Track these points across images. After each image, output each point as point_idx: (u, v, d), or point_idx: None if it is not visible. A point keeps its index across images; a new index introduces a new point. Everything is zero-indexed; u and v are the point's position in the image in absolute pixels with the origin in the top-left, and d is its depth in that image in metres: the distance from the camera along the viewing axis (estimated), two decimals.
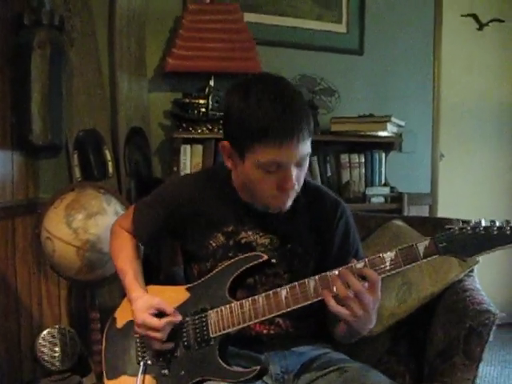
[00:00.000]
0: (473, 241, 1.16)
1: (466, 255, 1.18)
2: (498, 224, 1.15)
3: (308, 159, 1.34)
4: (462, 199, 3.75)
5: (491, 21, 3.83)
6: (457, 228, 1.18)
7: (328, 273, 1.25)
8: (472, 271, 1.91)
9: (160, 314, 1.38)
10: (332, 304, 1.21)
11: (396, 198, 3.08)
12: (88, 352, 2.45)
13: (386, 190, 3.07)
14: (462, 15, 3.77)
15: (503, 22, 3.84)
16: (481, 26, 3.83)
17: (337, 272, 1.24)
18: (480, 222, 1.17)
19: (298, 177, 1.31)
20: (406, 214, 3.03)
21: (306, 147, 1.28)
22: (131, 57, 2.74)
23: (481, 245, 1.16)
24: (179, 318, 1.38)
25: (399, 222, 2.06)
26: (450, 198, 3.67)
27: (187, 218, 1.51)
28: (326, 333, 1.52)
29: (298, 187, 1.34)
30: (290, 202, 1.37)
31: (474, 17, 3.81)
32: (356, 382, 1.31)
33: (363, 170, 3.07)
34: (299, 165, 1.30)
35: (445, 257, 1.20)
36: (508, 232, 1.14)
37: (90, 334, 2.39)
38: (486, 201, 3.82)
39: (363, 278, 1.21)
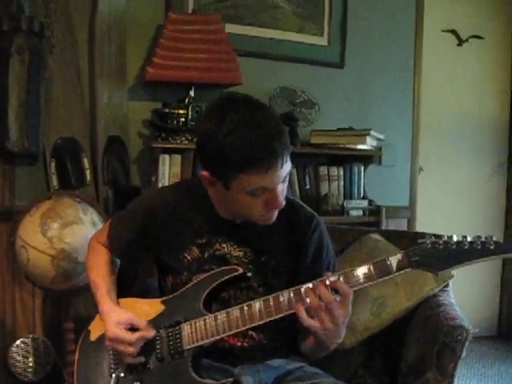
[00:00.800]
0: (445, 255, 1.19)
1: (438, 269, 1.20)
2: (469, 239, 1.19)
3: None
4: (440, 213, 3.78)
5: (471, 37, 3.88)
6: (429, 242, 1.21)
7: (302, 286, 1.27)
8: (447, 286, 1.91)
9: (132, 328, 1.37)
10: (304, 316, 1.23)
11: (374, 211, 3.09)
12: (62, 362, 2.41)
13: (365, 203, 3.08)
14: (442, 30, 3.82)
15: (482, 38, 3.90)
16: (460, 42, 3.88)
17: (310, 285, 1.25)
18: (452, 236, 1.20)
19: (283, 192, 1.32)
20: (384, 227, 3.04)
21: (288, 166, 1.29)
22: (111, 65, 2.72)
23: (452, 259, 1.19)
24: (152, 333, 1.38)
25: (376, 236, 2.06)
26: (428, 211, 3.70)
27: (162, 231, 1.50)
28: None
29: (283, 202, 1.34)
30: (275, 216, 1.38)
31: (454, 33, 3.86)
32: None
33: (342, 183, 3.08)
34: (283, 181, 1.31)
35: (417, 270, 1.23)
36: (479, 247, 1.17)
37: (64, 345, 2.35)
38: (464, 214, 3.86)
39: (336, 291, 1.22)
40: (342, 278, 1.24)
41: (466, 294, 3.75)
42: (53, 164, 2.57)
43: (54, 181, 2.57)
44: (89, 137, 2.68)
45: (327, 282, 1.23)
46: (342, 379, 1.45)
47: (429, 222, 3.57)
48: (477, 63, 3.94)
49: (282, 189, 1.30)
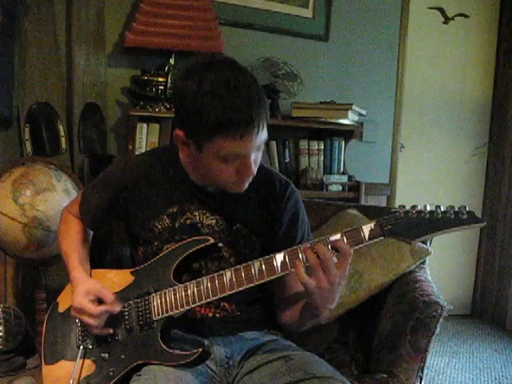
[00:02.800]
0: (417, 224, 1.19)
1: (411, 238, 1.19)
2: (442, 209, 1.19)
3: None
4: (420, 190, 3.79)
5: (457, 15, 3.85)
6: (402, 211, 1.20)
7: (298, 246, 1.25)
8: (424, 263, 1.92)
9: (100, 300, 1.36)
10: (301, 273, 1.20)
11: (354, 186, 3.08)
12: (33, 332, 2.38)
13: (344, 179, 3.07)
14: (428, 7, 3.78)
15: (468, 17, 3.88)
16: (446, 20, 3.85)
17: (308, 244, 1.23)
18: (425, 206, 1.20)
19: (255, 160, 1.30)
20: (363, 203, 3.03)
21: (264, 134, 1.27)
22: (89, 29, 2.65)
23: (425, 228, 1.19)
24: (117, 308, 1.36)
25: (354, 211, 2.06)
26: (408, 188, 3.71)
27: (132, 200, 1.47)
28: (275, 320, 1.51)
29: (256, 170, 1.32)
30: (247, 185, 1.36)
31: (441, 10, 3.83)
32: (299, 371, 1.29)
33: (322, 158, 3.06)
34: (257, 150, 1.30)
35: (392, 241, 1.27)
36: (452, 216, 1.18)
37: (35, 314, 2.32)
38: (444, 193, 3.87)
39: (336, 250, 1.20)
40: (313, 246, 1.22)
41: (441, 272, 3.79)
42: (27, 129, 2.51)
43: (28, 147, 2.51)
44: (65, 103, 2.63)
45: (327, 241, 1.21)
46: (315, 353, 1.43)
47: (408, 199, 3.52)
48: (462, 42, 3.92)
49: (255, 157, 1.29)
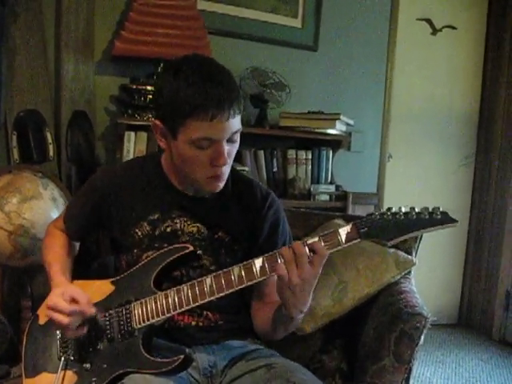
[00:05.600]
0: (393, 225, 1.21)
1: (387, 239, 1.21)
2: (417, 210, 1.21)
3: (239, 136, 1.36)
4: (408, 200, 3.73)
5: (445, 27, 3.89)
6: (378, 214, 1.22)
7: (276, 251, 1.25)
8: (409, 273, 1.92)
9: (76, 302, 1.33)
10: (279, 265, 1.21)
11: (341, 196, 3.09)
12: (18, 341, 2.36)
13: (332, 188, 3.08)
14: (417, 19, 3.81)
15: (456, 28, 3.92)
16: (434, 31, 3.88)
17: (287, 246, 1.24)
18: (400, 208, 1.22)
19: (229, 153, 1.34)
20: (350, 213, 3.04)
21: (236, 123, 1.31)
22: (78, 37, 2.65)
23: (401, 229, 1.20)
24: (91, 310, 1.34)
25: (340, 221, 2.06)
26: (395, 198, 3.71)
27: (114, 206, 1.49)
28: None
29: (229, 164, 1.36)
30: (222, 183, 1.39)
31: (429, 22, 3.86)
32: (281, 379, 1.29)
33: (310, 167, 3.08)
34: (231, 140, 1.33)
35: (367, 244, 1.30)
36: (426, 217, 1.20)
37: (21, 323, 2.30)
38: (432, 202, 3.82)
39: (312, 250, 1.21)
40: (293, 249, 1.22)
41: (428, 282, 3.80)
42: (14, 137, 2.50)
43: (15, 154, 2.50)
44: (53, 110, 2.63)
45: (305, 243, 1.22)
46: (300, 363, 1.43)
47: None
48: (449, 53, 3.95)
49: (228, 148, 1.33)
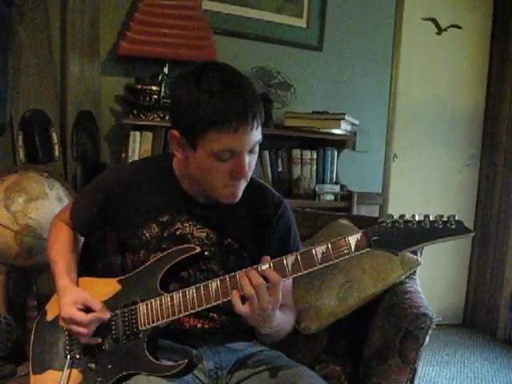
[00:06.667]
0: (405, 234, 1.17)
1: (398, 249, 1.17)
2: (431, 218, 1.16)
3: (258, 147, 1.33)
4: (413, 200, 3.80)
5: (450, 26, 3.88)
6: (389, 221, 1.18)
7: (238, 272, 1.25)
8: (414, 273, 1.91)
9: (88, 308, 1.35)
10: (236, 302, 1.22)
11: (346, 196, 3.09)
12: (24, 340, 2.37)
13: (337, 188, 3.08)
14: (422, 18, 3.81)
15: (461, 28, 3.90)
16: (440, 31, 3.87)
17: (244, 270, 1.24)
18: (414, 216, 1.17)
19: (250, 164, 1.30)
20: (355, 213, 3.04)
21: (258, 134, 1.28)
22: (84, 37, 2.66)
23: (413, 238, 1.16)
24: (107, 315, 1.35)
25: (345, 222, 2.06)
26: (400, 198, 3.71)
27: (122, 206, 1.47)
28: None
29: (249, 175, 1.33)
30: (240, 193, 1.35)
31: (434, 21, 3.85)
32: (288, 382, 1.29)
33: (315, 167, 3.08)
34: (251, 152, 1.30)
35: (381, 253, 1.20)
36: (440, 226, 1.16)
37: (26, 322, 2.31)
38: (436, 204, 3.88)
39: (266, 279, 1.21)
40: (299, 258, 1.22)
41: (433, 282, 3.79)
42: (20, 137, 2.51)
43: (21, 154, 2.51)
44: (59, 110, 2.64)
45: (259, 270, 1.22)
46: (305, 363, 1.44)
47: (401, 209, 3.53)
48: (454, 53, 3.94)
49: (249, 160, 1.29)
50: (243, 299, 1.22)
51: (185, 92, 1.25)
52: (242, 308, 1.21)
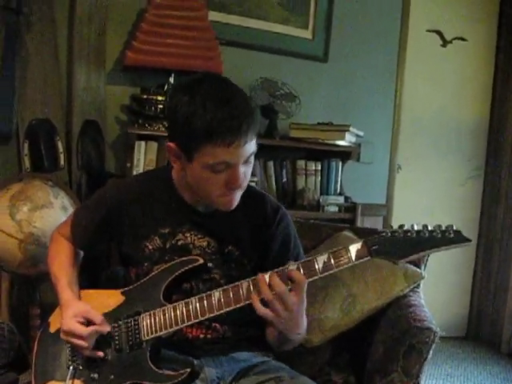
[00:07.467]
0: (404, 243, 1.19)
1: (398, 257, 1.20)
2: (429, 228, 1.19)
3: (253, 157, 1.34)
4: (417, 211, 3.79)
5: (455, 38, 3.89)
6: (389, 231, 1.21)
7: (259, 275, 1.25)
8: (417, 286, 1.91)
9: (89, 322, 1.36)
10: (258, 306, 1.22)
11: (350, 207, 3.08)
12: (27, 348, 2.37)
13: (341, 200, 3.08)
14: (427, 30, 3.82)
15: (466, 40, 3.91)
16: (445, 43, 3.88)
17: (266, 275, 1.24)
18: (413, 225, 1.20)
19: (245, 174, 1.32)
20: (359, 224, 3.04)
21: (253, 146, 1.29)
22: (90, 47, 2.67)
23: (412, 247, 1.19)
24: (107, 328, 1.37)
25: (349, 234, 2.06)
26: (404, 209, 3.71)
27: (124, 220, 1.48)
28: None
29: (245, 184, 1.35)
30: (237, 201, 1.36)
31: (439, 33, 3.86)
32: None
33: (319, 178, 3.08)
34: (246, 162, 1.31)
35: (376, 259, 1.22)
36: (439, 235, 1.18)
37: (29, 331, 2.31)
38: (440, 215, 3.86)
39: (291, 280, 1.22)
40: (301, 267, 1.24)
41: (436, 295, 3.78)
42: (26, 145, 2.52)
43: (27, 163, 2.52)
44: (64, 119, 2.65)
45: (283, 272, 1.23)
46: (307, 375, 1.44)
47: (405, 220, 3.53)
48: (459, 65, 3.94)
49: (243, 170, 1.30)
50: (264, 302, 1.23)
51: (179, 106, 1.26)
52: (265, 311, 1.22)
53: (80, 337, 1.33)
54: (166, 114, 1.39)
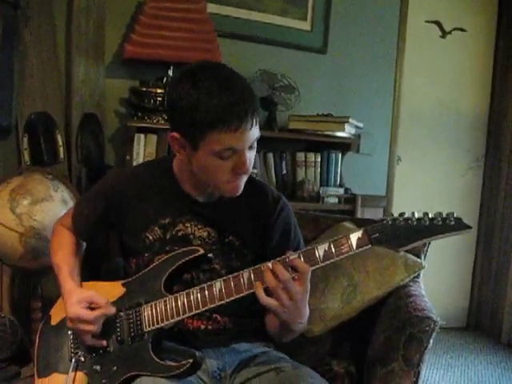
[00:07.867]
0: (405, 231, 1.19)
1: (398, 246, 1.19)
2: (430, 215, 1.19)
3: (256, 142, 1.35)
4: (417, 203, 3.78)
5: (454, 29, 3.88)
6: (390, 219, 1.20)
7: (261, 264, 1.25)
8: (418, 276, 1.92)
9: (93, 307, 1.36)
10: (261, 295, 1.22)
11: (350, 199, 3.09)
12: (28, 342, 2.38)
13: (341, 191, 3.08)
14: (426, 21, 3.81)
15: (465, 31, 3.90)
16: (444, 34, 3.87)
17: (269, 264, 1.24)
18: (413, 213, 1.20)
19: (250, 159, 1.32)
20: (359, 215, 3.04)
21: (257, 131, 1.30)
22: (89, 40, 2.67)
23: (413, 235, 1.18)
24: (113, 310, 1.37)
25: (349, 224, 2.06)
26: (404, 201, 3.71)
27: (124, 211, 1.48)
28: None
29: (251, 169, 1.35)
30: (242, 186, 1.37)
31: (438, 24, 3.85)
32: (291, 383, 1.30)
33: (319, 170, 3.08)
34: (251, 148, 1.32)
35: (378, 248, 1.21)
36: (439, 223, 1.18)
37: (30, 324, 2.32)
38: (440, 206, 3.83)
39: (294, 269, 1.22)
40: (302, 256, 1.23)
41: (437, 285, 3.79)
42: (25, 139, 2.52)
43: (26, 156, 2.52)
44: (63, 113, 2.65)
45: (286, 260, 1.23)
46: (308, 366, 1.44)
47: (405, 211, 3.57)
48: (459, 56, 3.94)
49: (249, 155, 1.31)
50: (267, 290, 1.23)
51: (182, 94, 1.26)
52: (268, 301, 1.22)
53: (87, 322, 1.33)
54: (167, 104, 1.38)
